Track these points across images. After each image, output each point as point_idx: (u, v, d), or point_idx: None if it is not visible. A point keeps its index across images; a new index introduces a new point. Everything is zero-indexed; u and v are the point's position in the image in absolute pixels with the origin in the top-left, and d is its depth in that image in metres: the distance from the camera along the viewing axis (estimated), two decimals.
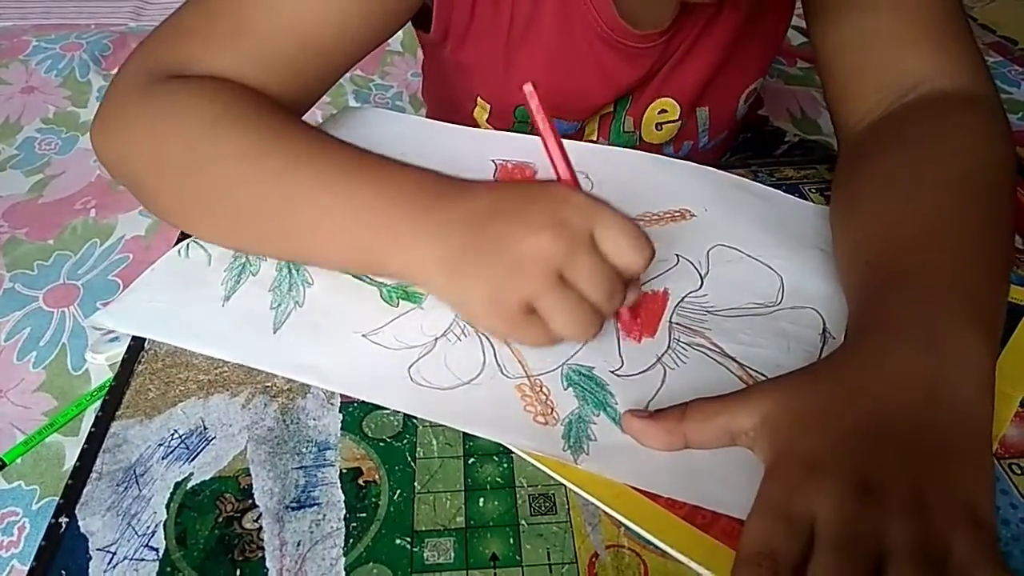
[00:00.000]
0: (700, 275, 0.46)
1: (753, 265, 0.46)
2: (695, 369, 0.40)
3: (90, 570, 0.32)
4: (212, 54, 0.47)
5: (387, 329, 0.42)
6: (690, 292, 0.45)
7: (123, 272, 0.96)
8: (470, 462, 0.36)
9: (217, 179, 0.43)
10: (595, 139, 0.66)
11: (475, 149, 0.56)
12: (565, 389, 0.39)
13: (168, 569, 0.32)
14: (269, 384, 0.40)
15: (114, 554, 0.33)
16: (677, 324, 0.43)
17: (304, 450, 0.37)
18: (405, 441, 0.37)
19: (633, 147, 0.66)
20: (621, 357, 0.41)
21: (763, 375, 0.40)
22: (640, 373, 0.40)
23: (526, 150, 0.55)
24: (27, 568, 0.33)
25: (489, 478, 0.36)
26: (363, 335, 0.42)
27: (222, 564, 0.33)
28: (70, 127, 1.23)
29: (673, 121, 0.65)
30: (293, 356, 0.41)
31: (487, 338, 0.41)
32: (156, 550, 0.33)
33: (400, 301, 0.44)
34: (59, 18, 1.49)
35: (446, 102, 0.69)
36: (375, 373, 0.40)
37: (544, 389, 0.39)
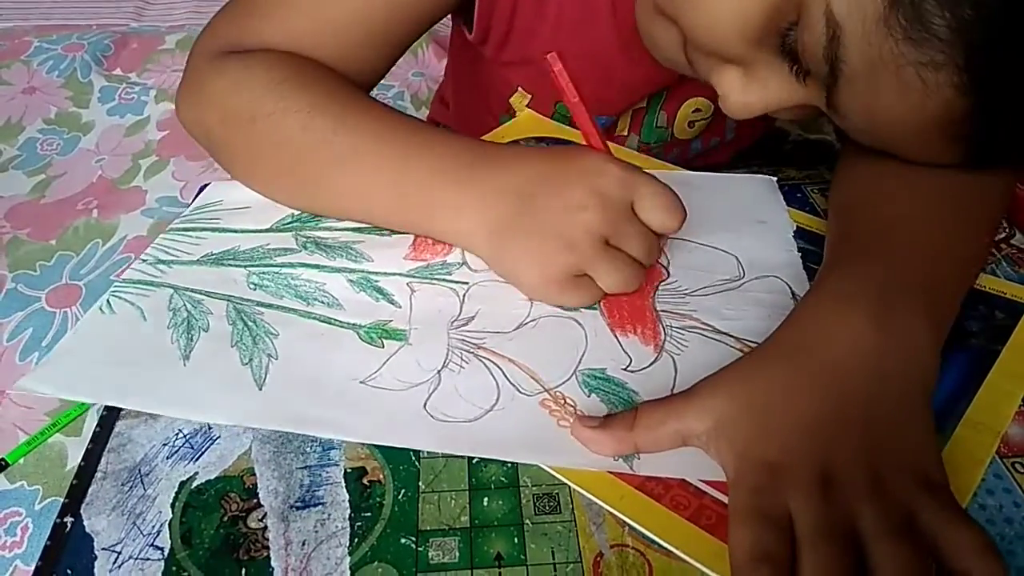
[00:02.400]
0: (664, 266, 0.46)
1: (707, 251, 0.48)
2: (699, 350, 0.41)
3: (95, 569, 0.32)
4: (270, 32, 0.51)
5: (384, 372, 0.40)
6: (661, 282, 0.45)
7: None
8: (474, 461, 0.36)
9: (276, 134, 0.47)
10: (626, 134, 0.66)
11: None
12: (588, 396, 0.38)
13: (173, 568, 0.32)
14: None
15: (119, 553, 0.33)
16: (663, 311, 0.43)
17: (308, 449, 0.37)
18: None
19: (664, 143, 0.67)
20: (627, 354, 0.41)
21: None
22: (650, 365, 0.40)
23: None
24: (31, 568, 0.33)
25: (493, 477, 0.36)
26: (361, 382, 0.39)
27: (227, 563, 0.33)
28: (72, 128, 1.23)
29: (706, 119, 0.65)
30: (295, 411, 0.38)
31: (490, 361, 0.40)
32: (161, 549, 0.33)
33: (384, 341, 0.41)
34: (61, 19, 1.49)
35: (478, 94, 0.70)
36: (394, 418, 0.37)
37: (569, 400, 0.38)
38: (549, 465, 0.35)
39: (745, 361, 0.37)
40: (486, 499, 0.35)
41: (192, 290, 0.45)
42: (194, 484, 0.35)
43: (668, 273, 0.46)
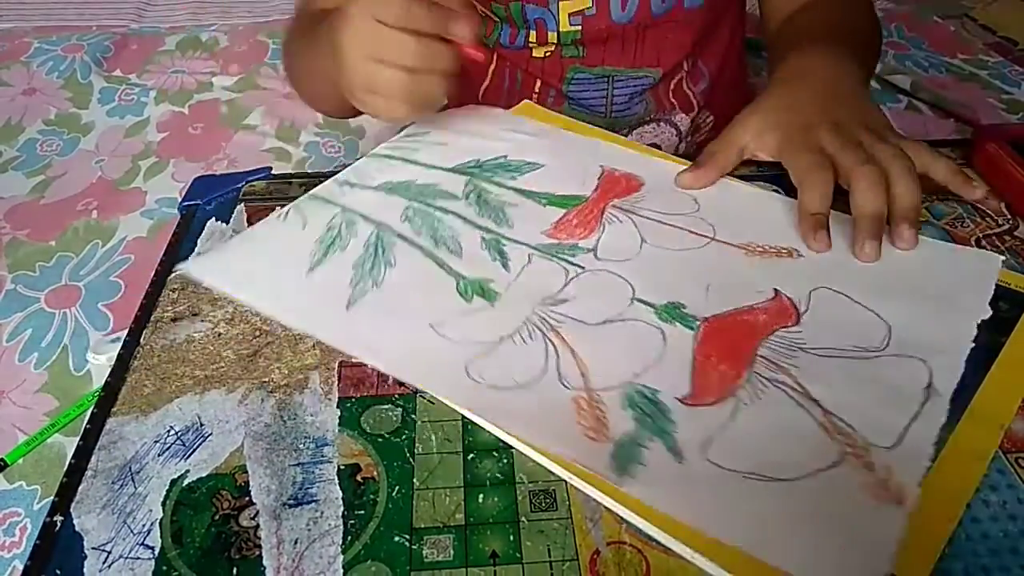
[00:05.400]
0: (798, 311, 0.42)
1: (860, 312, 0.42)
2: (772, 408, 0.36)
3: (85, 569, 0.32)
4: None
5: (455, 323, 0.42)
6: (784, 327, 0.41)
7: (125, 273, 0.96)
8: (469, 458, 0.36)
9: (291, 59, 0.72)
10: None
11: (584, 154, 0.57)
12: (623, 410, 0.36)
13: (164, 567, 0.32)
14: (266, 380, 0.40)
15: (109, 552, 0.32)
16: (761, 357, 0.39)
17: (301, 446, 0.36)
18: (404, 437, 0.37)
19: None
20: (692, 384, 0.38)
21: (850, 427, 0.35)
22: (709, 404, 0.37)
23: (631, 162, 0.56)
24: None
25: (489, 474, 0.35)
26: (430, 324, 0.42)
27: (219, 562, 0.32)
28: (72, 128, 1.23)
29: None
30: (359, 335, 0.41)
31: (552, 345, 0.40)
32: (152, 548, 0.33)
33: (475, 297, 0.44)
34: (60, 20, 1.49)
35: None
36: (434, 364, 0.39)
37: (601, 407, 0.37)
38: (540, 448, 0.35)
39: (765, 91, 0.57)
40: (481, 496, 0.34)
41: (354, 211, 0.50)
42: (185, 482, 0.35)
43: (799, 320, 0.42)
